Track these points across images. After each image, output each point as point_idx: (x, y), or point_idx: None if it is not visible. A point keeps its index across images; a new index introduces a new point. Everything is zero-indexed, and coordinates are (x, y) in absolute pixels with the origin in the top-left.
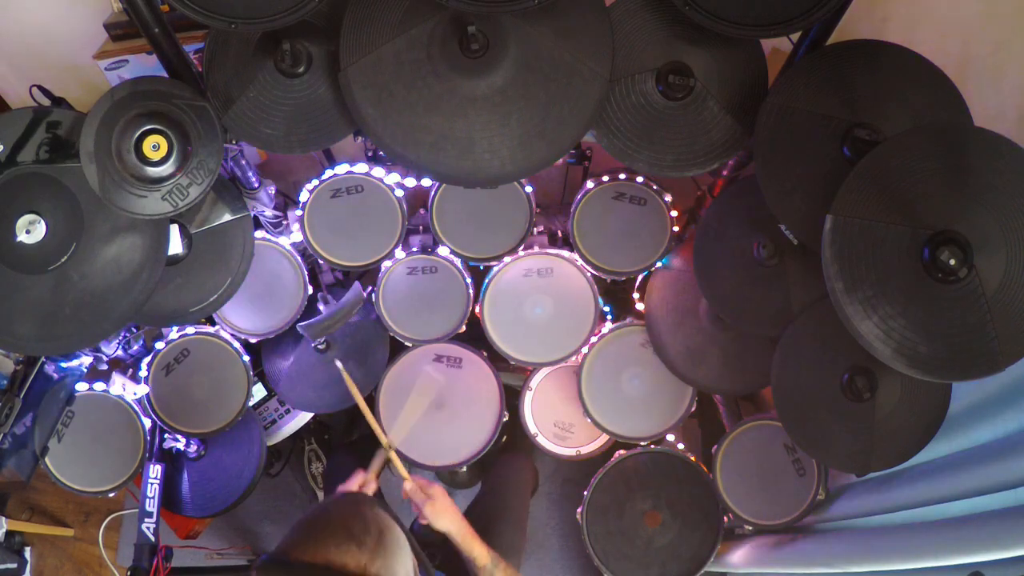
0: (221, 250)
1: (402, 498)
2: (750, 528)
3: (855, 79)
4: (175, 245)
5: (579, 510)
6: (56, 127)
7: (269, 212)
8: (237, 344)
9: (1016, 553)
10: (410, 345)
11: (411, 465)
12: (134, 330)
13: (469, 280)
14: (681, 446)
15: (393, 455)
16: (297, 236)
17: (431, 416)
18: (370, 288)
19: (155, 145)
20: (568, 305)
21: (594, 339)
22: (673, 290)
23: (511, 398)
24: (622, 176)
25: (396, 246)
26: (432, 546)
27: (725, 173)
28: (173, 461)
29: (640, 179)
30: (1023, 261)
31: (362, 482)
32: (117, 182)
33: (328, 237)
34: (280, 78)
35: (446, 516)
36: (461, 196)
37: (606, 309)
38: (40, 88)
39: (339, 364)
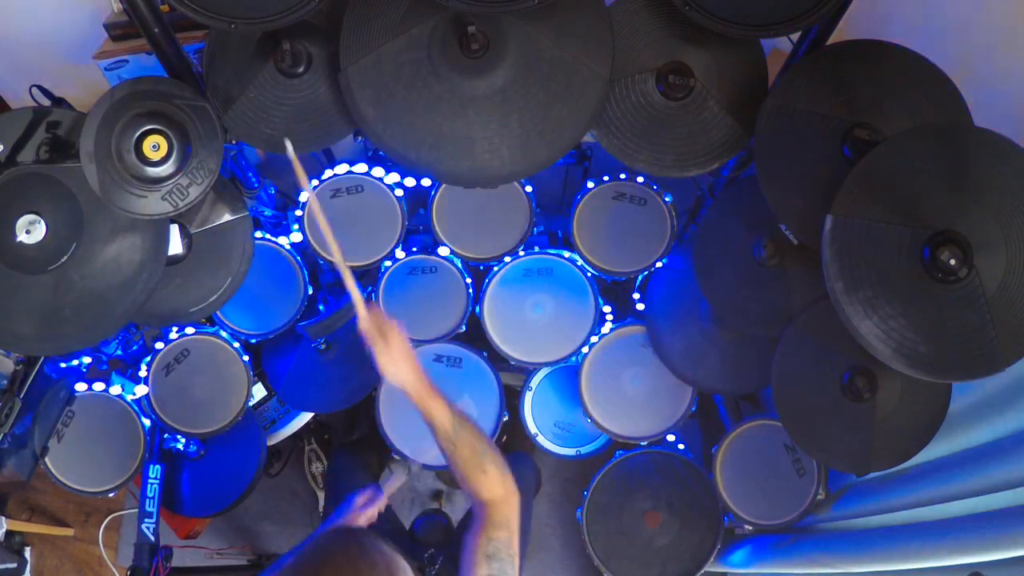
0: (221, 250)
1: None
2: (750, 528)
3: (855, 79)
4: (175, 245)
5: (579, 510)
6: (56, 127)
7: (269, 212)
8: (237, 344)
9: (1016, 553)
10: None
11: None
12: (134, 330)
13: (469, 280)
14: (681, 446)
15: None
16: (297, 236)
17: None
18: (370, 288)
19: (155, 145)
20: (568, 305)
21: (594, 339)
22: (673, 290)
23: (511, 398)
24: (622, 176)
25: (396, 246)
26: (432, 546)
27: (725, 173)
28: (173, 461)
29: (640, 179)
30: (1023, 261)
31: (367, 498)
32: (117, 182)
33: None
34: (280, 78)
35: (401, 366)
36: (461, 196)
37: (606, 309)
38: (40, 88)
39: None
